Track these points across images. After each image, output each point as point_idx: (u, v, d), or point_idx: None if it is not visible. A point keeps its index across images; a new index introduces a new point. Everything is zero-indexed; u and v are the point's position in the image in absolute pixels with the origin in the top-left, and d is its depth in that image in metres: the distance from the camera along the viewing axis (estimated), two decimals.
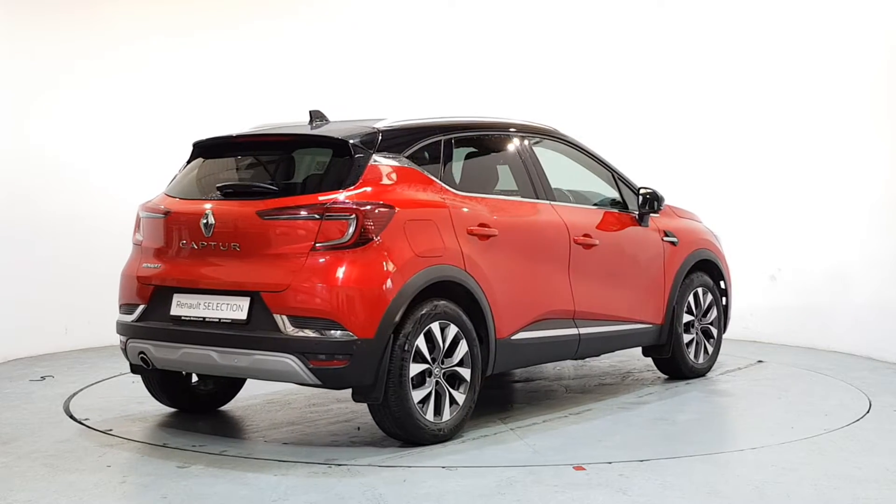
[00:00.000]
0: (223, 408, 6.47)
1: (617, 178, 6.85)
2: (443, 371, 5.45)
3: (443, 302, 5.43)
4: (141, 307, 5.67)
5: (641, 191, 6.81)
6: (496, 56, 10.29)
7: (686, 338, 7.15)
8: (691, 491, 4.58)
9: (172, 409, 6.39)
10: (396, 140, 5.60)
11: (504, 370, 6.04)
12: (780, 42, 9.13)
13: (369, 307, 5.10)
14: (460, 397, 5.52)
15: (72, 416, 6.23)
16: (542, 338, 6.06)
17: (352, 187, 5.27)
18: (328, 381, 5.17)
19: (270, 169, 5.72)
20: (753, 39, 9.34)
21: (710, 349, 7.41)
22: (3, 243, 8.46)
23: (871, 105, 8.43)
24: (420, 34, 10.28)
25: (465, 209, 5.68)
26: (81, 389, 7.07)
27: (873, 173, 8.40)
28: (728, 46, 9.51)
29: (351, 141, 5.43)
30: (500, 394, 7.01)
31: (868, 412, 6.25)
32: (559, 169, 6.79)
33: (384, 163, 5.45)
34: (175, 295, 5.52)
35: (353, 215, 5.16)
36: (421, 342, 5.30)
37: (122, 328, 5.79)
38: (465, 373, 5.54)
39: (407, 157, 5.59)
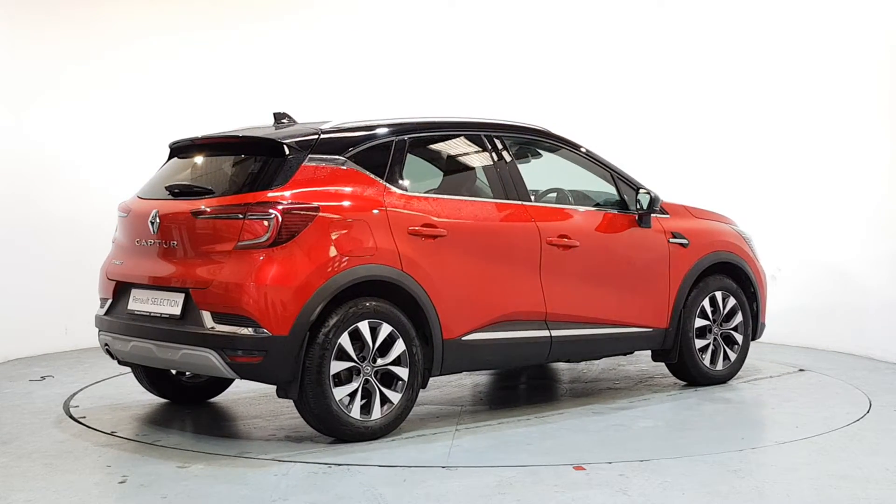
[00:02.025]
0: (219, 404, 6.51)
1: (616, 179, 6.70)
2: (374, 369, 5.48)
3: (374, 301, 5.47)
4: (109, 301, 5.98)
5: (640, 191, 6.67)
6: (496, 56, 10.29)
7: (699, 343, 6.89)
8: (691, 491, 4.58)
9: (173, 410, 6.42)
10: (339, 141, 5.68)
11: (457, 371, 6.02)
12: (781, 41, 9.13)
13: (284, 305, 5.21)
14: (395, 396, 5.54)
15: (72, 416, 6.23)
16: (502, 339, 5.98)
17: (280, 187, 5.39)
18: (246, 375, 5.36)
19: (218, 169, 5.88)
20: (754, 39, 9.34)
21: (733, 356, 7.10)
22: (3, 243, 8.46)
23: (872, 105, 8.43)
24: (420, 34, 10.27)
25: (409, 210, 5.69)
26: (81, 389, 7.07)
27: (874, 173, 8.39)
28: (729, 46, 9.51)
29: (285, 142, 5.55)
30: (494, 394, 7.01)
31: (868, 412, 6.25)
32: (558, 170, 6.76)
33: (320, 163, 5.54)
34: (132, 290, 5.79)
35: (272, 215, 5.28)
36: (345, 340, 5.36)
37: (96, 321, 6.08)
38: (402, 372, 5.57)
39: (348, 158, 5.64)
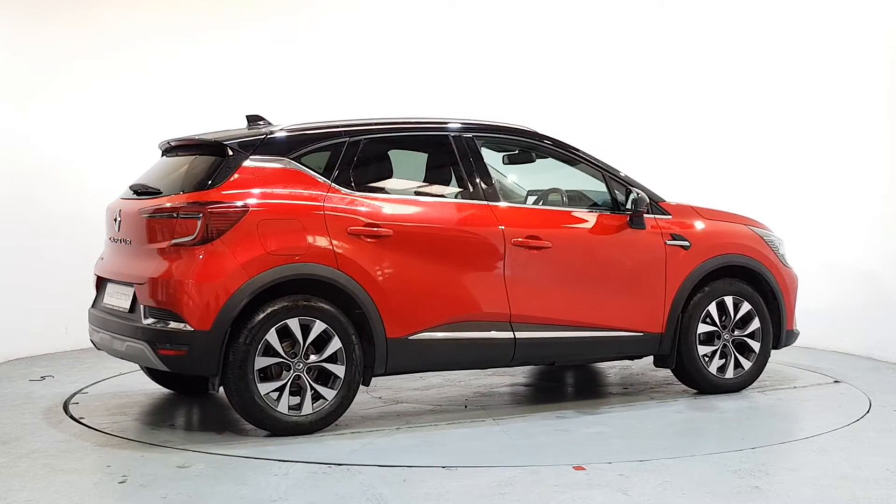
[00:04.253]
0: (220, 402, 6.50)
1: (609, 179, 6.53)
2: (307, 366, 5.59)
3: (305, 298, 5.59)
4: (95, 295, 6.37)
5: (630, 192, 6.46)
6: (496, 56, 10.29)
7: (704, 349, 6.61)
8: (691, 491, 4.59)
9: (173, 410, 6.45)
10: (285, 142, 5.86)
11: (405, 370, 6.06)
12: (781, 41, 9.14)
13: (206, 301, 5.41)
14: (329, 393, 5.66)
15: (72, 416, 6.23)
16: (457, 339, 5.95)
17: (215, 188, 5.59)
18: (174, 368, 5.64)
19: (176, 170, 6.05)
20: (754, 39, 9.35)
21: (747, 364, 6.74)
22: (3, 243, 8.47)
23: (872, 105, 8.43)
24: (421, 34, 10.27)
25: (352, 209, 5.76)
26: (81, 389, 7.07)
27: (874, 173, 8.40)
28: (729, 46, 9.52)
29: (227, 143, 5.76)
30: (489, 394, 7.00)
31: (868, 412, 6.25)
32: (556, 171, 6.73)
33: (261, 164, 5.73)
34: (108, 284, 6.14)
35: (200, 214, 5.48)
36: (272, 337, 5.51)
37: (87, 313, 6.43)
38: (338, 369, 5.66)
39: (293, 159, 5.80)
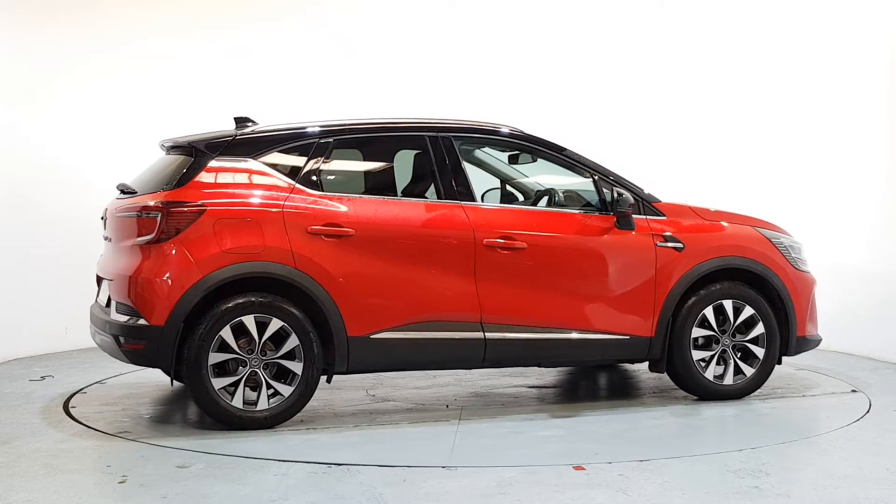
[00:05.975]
0: None
1: (597, 179, 6.41)
2: (264, 362, 5.73)
3: (261, 296, 5.71)
4: (97, 291, 6.56)
5: (615, 193, 6.31)
6: (496, 56, 10.28)
7: (700, 354, 6.43)
8: (691, 491, 4.59)
9: (173, 410, 6.46)
10: (252, 143, 6.01)
11: (368, 369, 6.12)
12: (782, 41, 9.14)
13: (161, 297, 5.62)
14: (286, 389, 5.77)
15: (72, 416, 6.24)
16: (423, 338, 5.95)
17: (178, 188, 5.78)
18: (135, 361, 5.85)
19: (157, 170, 6.21)
20: (754, 39, 9.35)
21: (750, 370, 6.53)
22: (3, 243, 8.47)
23: (872, 104, 8.43)
24: (419, 35, 10.26)
25: (314, 209, 5.84)
26: (81, 389, 7.08)
27: (874, 173, 8.40)
28: (729, 46, 9.52)
29: (194, 145, 5.97)
30: (482, 396, 7.00)
31: (868, 412, 6.25)
32: (541, 171, 6.71)
33: (225, 165, 5.89)
34: (104, 282, 6.29)
35: (159, 213, 5.67)
36: (227, 333, 5.66)
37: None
38: (295, 366, 5.77)
39: (258, 160, 5.93)
